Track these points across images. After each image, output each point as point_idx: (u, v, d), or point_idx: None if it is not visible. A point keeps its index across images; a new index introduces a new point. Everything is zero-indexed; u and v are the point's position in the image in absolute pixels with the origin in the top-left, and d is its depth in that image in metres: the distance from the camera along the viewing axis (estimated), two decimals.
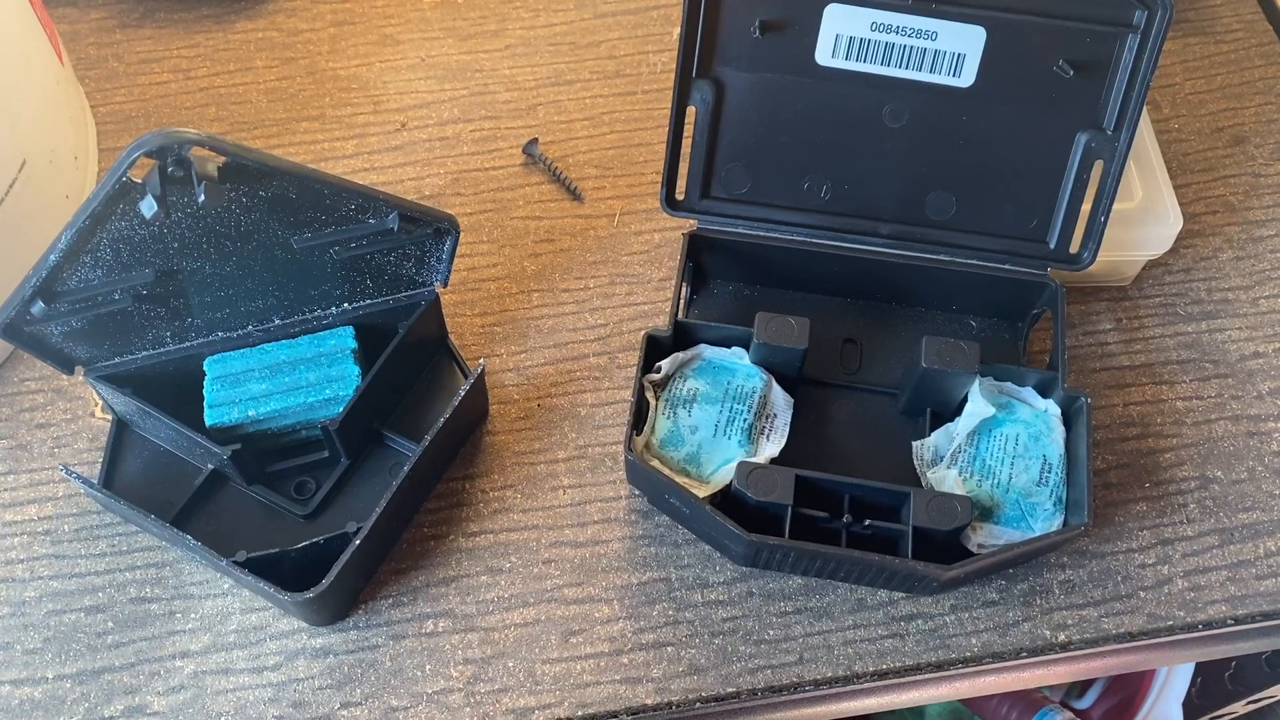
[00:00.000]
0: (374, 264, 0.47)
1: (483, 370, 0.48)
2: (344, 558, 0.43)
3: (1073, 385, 0.52)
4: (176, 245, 0.43)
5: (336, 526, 0.47)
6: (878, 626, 0.47)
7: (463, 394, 0.47)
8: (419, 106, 0.61)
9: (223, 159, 0.40)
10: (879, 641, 0.47)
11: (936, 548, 0.46)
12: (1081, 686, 0.77)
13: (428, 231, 0.46)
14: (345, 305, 0.49)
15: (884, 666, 0.46)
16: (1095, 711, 0.76)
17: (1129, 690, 0.74)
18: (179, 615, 0.46)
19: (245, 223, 0.43)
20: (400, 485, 0.45)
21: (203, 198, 0.39)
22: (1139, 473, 0.51)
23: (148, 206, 0.39)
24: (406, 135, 0.60)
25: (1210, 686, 0.75)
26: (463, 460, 0.50)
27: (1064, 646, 0.47)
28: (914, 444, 0.49)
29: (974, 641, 0.47)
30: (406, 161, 0.59)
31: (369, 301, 0.49)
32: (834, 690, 0.46)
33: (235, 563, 0.43)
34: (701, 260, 0.53)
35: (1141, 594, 0.48)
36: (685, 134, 0.50)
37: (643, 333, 0.48)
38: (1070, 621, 0.47)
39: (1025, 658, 0.47)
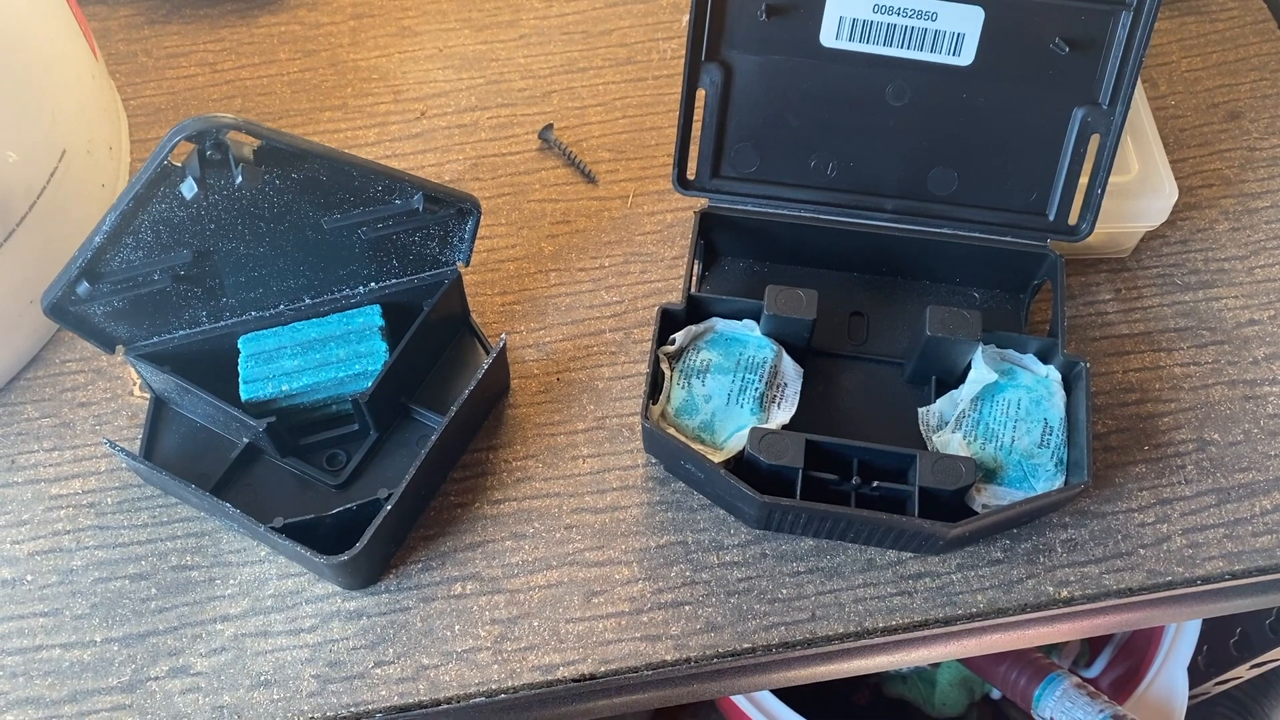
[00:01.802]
0: (399, 244, 0.49)
1: (504, 345, 0.50)
2: (377, 521, 0.46)
3: (1073, 352, 0.54)
4: (213, 227, 0.45)
5: (367, 495, 0.49)
6: (887, 585, 0.49)
7: (486, 368, 0.49)
8: (438, 95, 0.63)
9: (258, 142, 0.42)
10: (888, 599, 0.49)
11: (942, 509, 0.47)
12: (1090, 654, 0.79)
13: (451, 212, 0.48)
14: (372, 284, 0.51)
15: (893, 623, 0.48)
16: (1103, 679, 0.78)
17: (1135, 658, 0.76)
18: (218, 581, 0.49)
19: (278, 204, 0.45)
20: (428, 455, 0.47)
21: (240, 179, 0.41)
22: (1138, 436, 0.53)
23: (188, 188, 0.42)
24: (426, 123, 0.62)
25: (1216, 654, 0.77)
26: (486, 432, 0.52)
27: (1067, 602, 0.49)
28: (920, 410, 0.51)
29: (980, 598, 0.49)
30: (427, 148, 0.61)
31: (395, 281, 0.51)
32: (845, 646, 0.48)
33: (273, 528, 0.46)
34: (712, 237, 0.55)
35: (1141, 551, 0.50)
36: (695, 116, 0.52)
37: (657, 307, 0.50)
38: (1073, 578, 0.49)
39: (1029, 613, 0.49)
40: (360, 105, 0.63)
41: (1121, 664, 0.78)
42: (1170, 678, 0.72)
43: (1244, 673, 0.75)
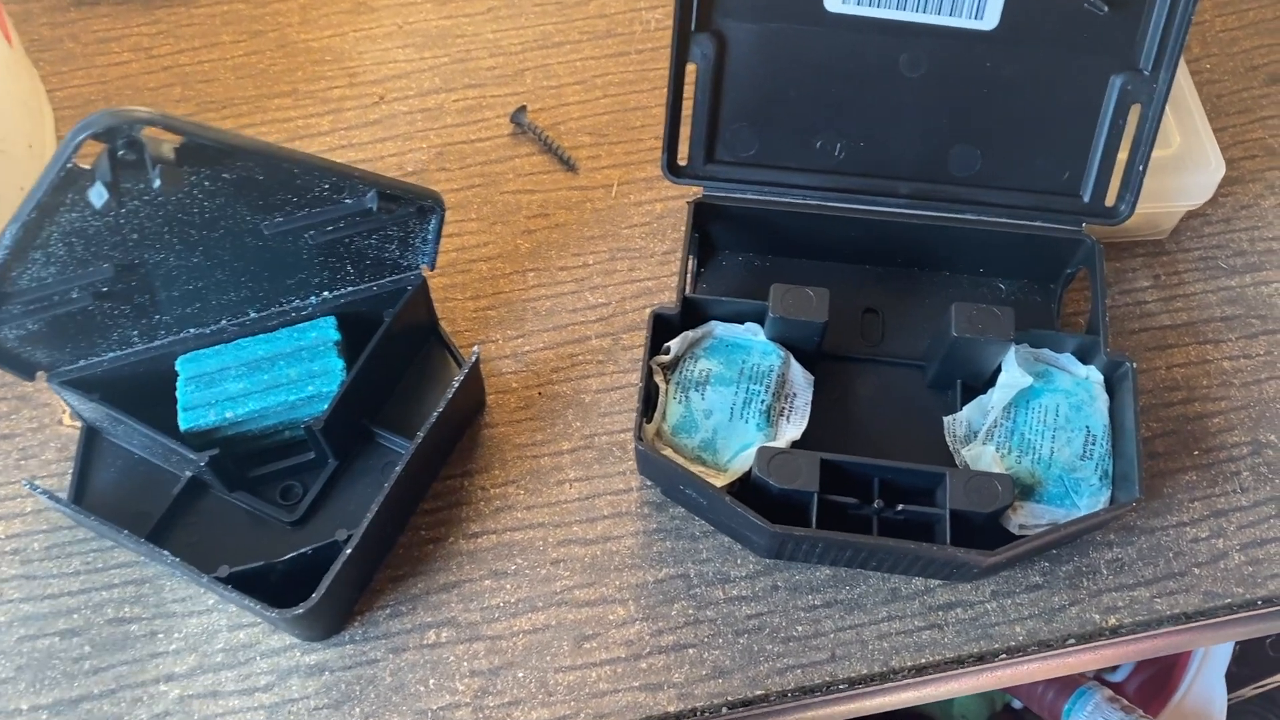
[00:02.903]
0: (354, 248, 0.44)
1: (477, 358, 0.44)
2: (334, 569, 0.40)
3: (1115, 349, 0.48)
4: (136, 237, 0.39)
5: (326, 533, 0.43)
6: (914, 618, 0.44)
7: (457, 385, 0.43)
8: (398, 77, 0.57)
9: (179, 139, 0.36)
10: (916, 634, 0.43)
11: (974, 531, 0.42)
12: None
13: (410, 210, 0.43)
14: (325, 294, 0.45)
15: (923, 661, 0.43)
16: (1130, 685, 0.73)
17: (1164, 662, 0.71)
18: (161, 636, 0.43)
19: (209, 209, 0.39)
20: (393, 487, 0.42)
21: (158, 183, 0.35)
22: (1186, 440, 0.47)
23: (97, 195, 0.36)
24: (385, 108, 0.56)
25: (1250, 654, 0.72)
26: (460, 456, 0.47)
27: (1115, 631, 0.44)
28: (945, 419, 0.46)
29: (1018, 630, 0.43)
30: (387, 136, 0.55)
31: (351, 289, 0.46)
32: (869, 688, 0.43)
33: (217, 579, 0.40)
34: (708, 230, 0.49)
35: (1196, 571, 0.45)
36: (686, 94, 0.46)
37: (649, 311, 0.45)
38: (1121, 604, 0.44)
39: (1073, 645, 0.44)
40: (312, 90, 0.56)
41: (1149, 668, 0.73)
42: (1207, 686, 0.67)
43: None
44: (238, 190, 0.39)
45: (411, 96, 0.56)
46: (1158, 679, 0.71)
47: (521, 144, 0.55)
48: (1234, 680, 0.72)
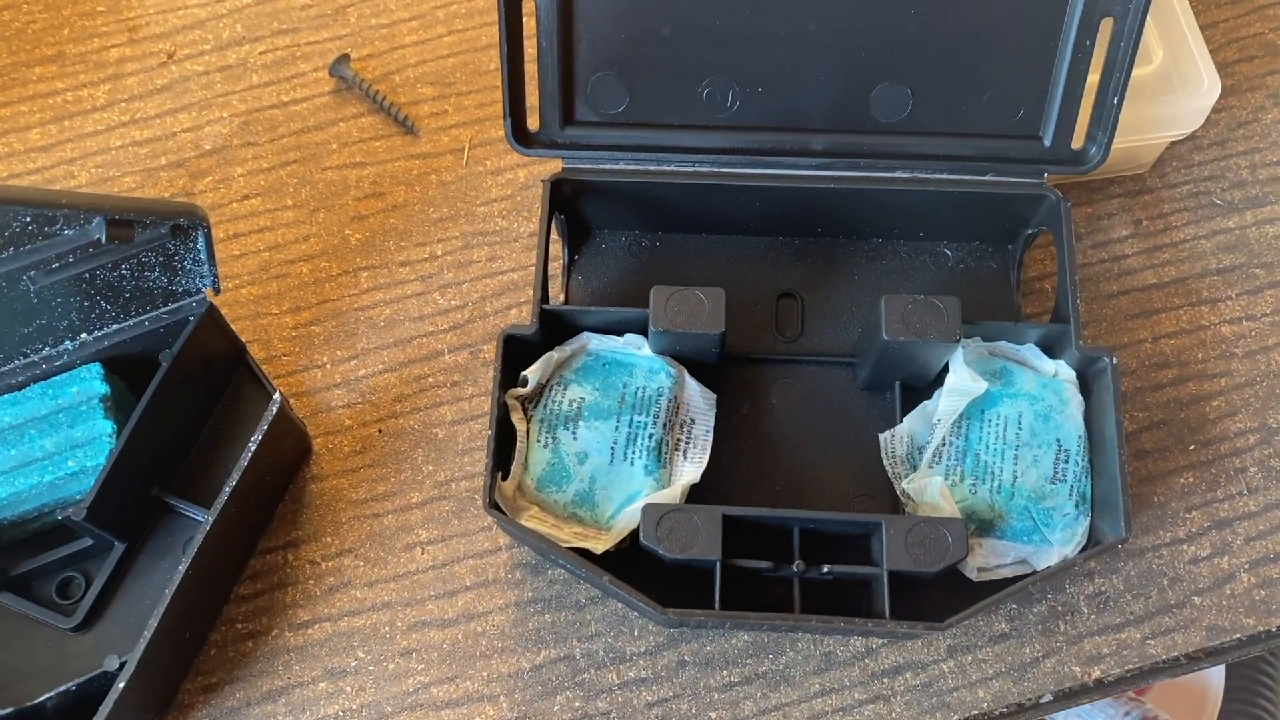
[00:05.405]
0: (101, 283, 0.34)
1: (280, 405, 0.35)
2: (105, 709, 0.31)
3: (1087, 320, 0.39)
4: None
5: (117, 639, 0.35)
6: (854, 689, 0.35)
7: (255, 444, 0.34)
8: (189, 28, 0.46)
9: None
10: (857, 710, 0.35)
11: (921, 583, 0.34)
12: None
13: (161, 232, 0.32)
14: (83, 336, 0.36)
15: None
16: None
17: None
18: None
19: None
20: (186, 580, 0.33)
21: None
22: (1180, 431, 0.39)
23: None
24: (176, 69, 0.45)
25: None
26: (281, 523, 0.38)
27: (1100, 684, 0.36)
28: (881, 437, 0.37)
29: (982, 694, 0.35)
30: (178, 106, 0.44)
31: (116, 327, 0.36)
32: None
33: None
34: (579, 208, 0.39)
35: (1196, 601, 0.37)
36: (527, 36, 0.36)
37: (499, 332, 0.35)
38: (1105, 650, 0.36)
39: (1050, 702, 0.36)
40: (83, 53, 0.45)
41: None
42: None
43: None
44: None
45: (208, 52, 0.45)
46: None
47: (347, 103, 0.44)
48: None
